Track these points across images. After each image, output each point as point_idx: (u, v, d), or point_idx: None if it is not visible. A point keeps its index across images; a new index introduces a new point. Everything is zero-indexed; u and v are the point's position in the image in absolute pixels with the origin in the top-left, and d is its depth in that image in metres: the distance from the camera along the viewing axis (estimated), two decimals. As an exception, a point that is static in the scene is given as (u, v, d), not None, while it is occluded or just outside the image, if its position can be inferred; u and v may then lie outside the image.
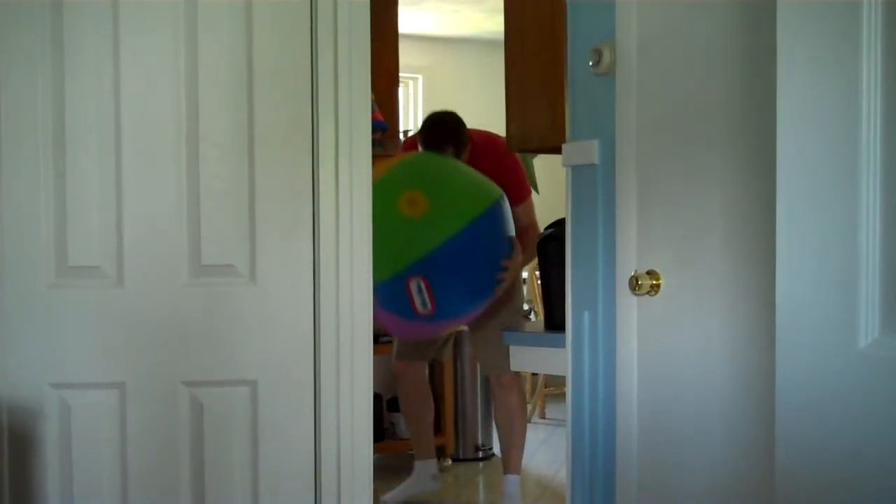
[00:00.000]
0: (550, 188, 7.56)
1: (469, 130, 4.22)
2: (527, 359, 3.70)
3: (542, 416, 6.39)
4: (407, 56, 6.37)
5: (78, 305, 2.10)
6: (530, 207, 4.17)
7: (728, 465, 2.57)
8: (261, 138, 2.12)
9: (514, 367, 3.76)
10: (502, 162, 4.00)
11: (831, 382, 1.54)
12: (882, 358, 1.46)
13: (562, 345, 3.16)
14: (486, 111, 7.19)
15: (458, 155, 4.05)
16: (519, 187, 4.09)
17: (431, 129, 4.21)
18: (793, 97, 1.66)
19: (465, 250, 3.81)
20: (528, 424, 6.17)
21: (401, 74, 5.74)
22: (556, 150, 3.18)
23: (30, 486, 2.08)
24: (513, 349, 3.77)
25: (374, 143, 4.84)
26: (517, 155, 4.10)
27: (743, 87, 2.47)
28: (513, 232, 3.90)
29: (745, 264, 2.48)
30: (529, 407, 6.46)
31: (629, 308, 2.84)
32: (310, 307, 2.15)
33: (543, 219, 3.83)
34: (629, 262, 2.82)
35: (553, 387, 6.45)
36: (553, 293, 3.42)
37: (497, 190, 3.88)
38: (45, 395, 2.08)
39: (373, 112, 4.44)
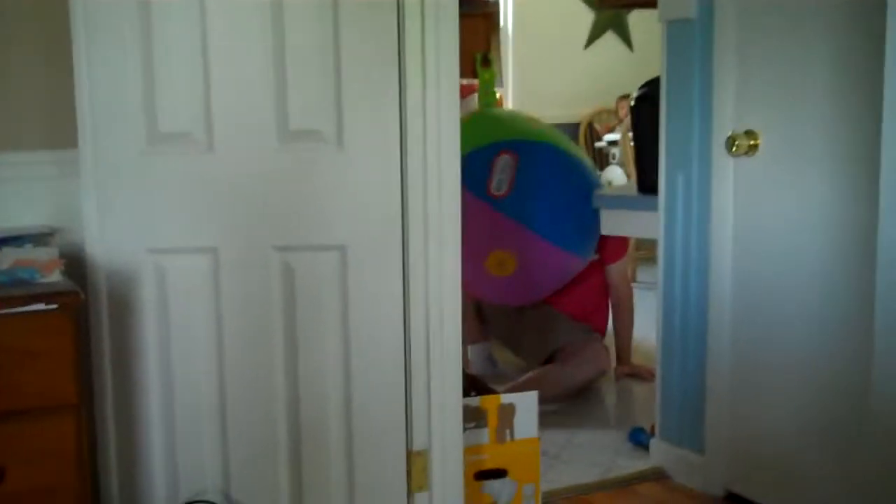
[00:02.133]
0: (645, 46, 7.37)
1: None
2: (618, 222, 3.66)
3: (633, 280, 6.36)
4: None
5: (170, 171, 2.12)
6: (623, 268, 4.25)
7: (825, 329, 2.52)
8: (345, 3, 2.07)
9: (605, 230, 3.73)
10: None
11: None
12: None
13: (654, 208, 3.12)
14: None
15: None
16: (614, 247, 4.14)
17: None
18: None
19: (560, 168, 3.75)
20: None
21: (490, -71, 5.56)
22: (652, 4, 3.07)
23: (130, 349, 2.15)
24: (604, 213, 3.73)
25: (462, 1, 4.75)
26: None
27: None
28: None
29: (850, 122, 2.38)
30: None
31: (725, 169, 2.77)
32: (397, 172, 2.13)
33: (638, 78, 3.72)
34: (726, 122, 2.74)
35: (644, 250, 6.39)
36: (646, 155, 3.35)
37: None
38: (141, 261, 2.13)
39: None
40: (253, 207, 2.13)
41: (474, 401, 2.60)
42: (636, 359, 4.26)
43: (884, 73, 1.57)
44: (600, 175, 4.89)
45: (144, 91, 2.08)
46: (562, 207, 3.78)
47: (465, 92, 4.82)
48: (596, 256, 4.10)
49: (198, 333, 2.16)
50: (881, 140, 1.59)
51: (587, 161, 4.06)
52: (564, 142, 4.03)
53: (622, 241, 4.24)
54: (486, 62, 5.27)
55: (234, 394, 2.18)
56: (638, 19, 7.54)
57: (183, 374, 2.17)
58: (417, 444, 2.23)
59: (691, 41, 2.87)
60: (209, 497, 2.17)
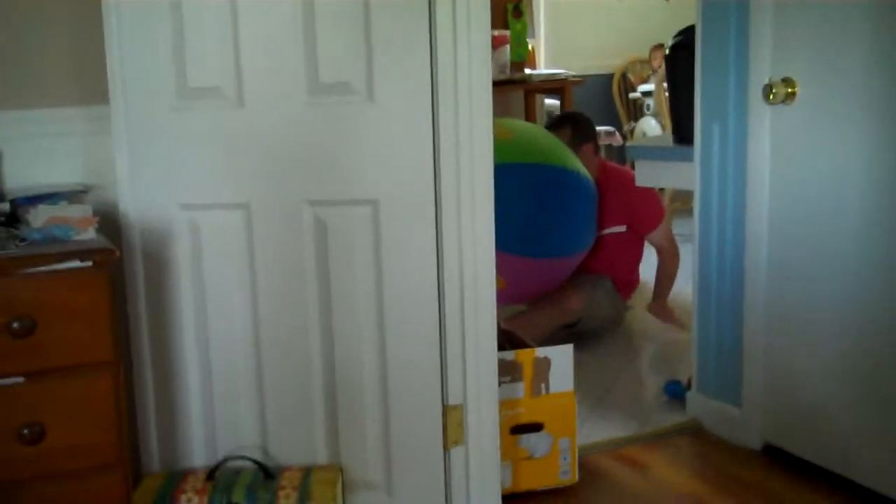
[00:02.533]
0: (680, -6, 7.26)
1: (604, 162, 4.42)
2: (653, 173, 3.61)
3: (669, 232, 6.31)
4: None
5: (200, 126, 2.11)
6: (664, 230, 4.32)
7: (863, 281, 2.49)
8: (373, -49, 2.04)
9: (640, 181, 3.68)
10: (632, 194, 4.11)
11: None
12: None
13: (690, 158, 3.08)
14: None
15: (573, 144, 4.20)
16: (650, 215, 4.26)
17: (558, 116, 4.52)
18: None
19: (515, 181, 3.74)
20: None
21: None
22: (687, -50, 3.01)
23: (165, 306, 2.16)
24: (639, 163, 3.69)
25: (493, -49, 4.68)
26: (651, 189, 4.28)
27: None
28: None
29: (891, 68, 2.33)
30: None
31: (762, 119, 2.72)
32: (428, 125, 2.11)
33: (673, 27, 3.66)
34: (763, 70, 2.69)
35: (679, 202, 6.33)
36: (681, 105, 3.29)
37: (573, 165, 4.01)
38: (174, 216, 2.13)
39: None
40: (284, 162, 2.12)
41: (509, 355, 2.59)
42: (677, 311, 4.24)
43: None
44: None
45: (175, 46, 2.07)
46: (521, 219, 3.76)
47: (496, 43, 4.77)
48: (623, 229, 4.21)
49: (232, 289, 2.16)
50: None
51: (559, 163, 3.98)
52: (527, 153, 3.94)
53: (653, 208, 4.26)
54: (518, 13, 5.21)
55: (268, 350, 2.18)
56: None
57: (218, 331, 2.18)
58: (453, 399, 2.23)
59: (728, -13, 2.82)
60: (247, 453, 2.18)
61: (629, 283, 4.31)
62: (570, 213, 3.93)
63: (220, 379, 2.19)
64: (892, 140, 2.36)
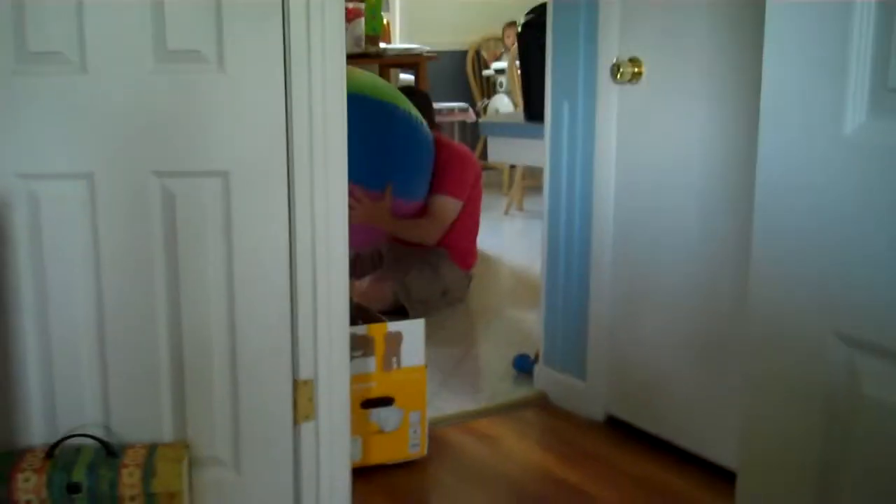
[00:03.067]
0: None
1: (440, 137, 4.38)
2: (505, 150, 3.67)
3: (520, 209, 6.43)
4: None
5: (41, 93, 2.01)
6: (448, 206, 4.22)
7: (703, 256, 2.59)
8: (225, -86, 1.99)
9: (492, 158, 3.73)
10: (457, 163, 4.22)
11: (814, 167, 1.51)
12: (868, 143, 1.43)
13: (540, 136, 3.13)
14: None
15: None
16: (454, 182, 4.21)
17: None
18: None
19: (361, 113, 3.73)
20: (506, 216, 6.26)
21: None
22: (539, -70, 3.05)
23: (1, 281, 2.06)
24: (491, 140, 3.73)
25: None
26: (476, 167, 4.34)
27: None
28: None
29: (732, 49, 2.42)
30: (507, 200, 6.49)
31: (609, 97, 2.79)
32: (281, 96, 2.07)
33: (526, 5, 3.70)
34: (611, 50, 2.75)
35: (531, 179, 6.45)
36: (532, 83, 3.35)
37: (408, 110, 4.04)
38: (12, 186, 2.03)
39: None
40: (130, 131, 2.05)
41: (361, 329, 2.59)
42: (521, 287, 4.32)
43: (765, 5, 1.59)
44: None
45: (14, 8, 1.97)
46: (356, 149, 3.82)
47: (351, 16, 4.73)
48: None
49: (74, 263, 2.08)
50: (761, 73, 1.62)
51: (394, 102, 4.03)
52: (372, 88, 3.99)
53: (460, 179, 4.28)
54: (373, -14, 5.18)
55: (113, 326, 2.12)
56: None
57: (59, 307, 2.10)
58: (304, 373, 2.22)
59: (578, -32, 2.86)
60: (89, 431, 2.12)
61: (468, 252, 4.38)
62: (404, 151, 3.96)
63: (61, 356, 2.11)
64: (731, 118, 2.45)
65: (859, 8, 1.42)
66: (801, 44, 1.51)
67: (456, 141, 5.90)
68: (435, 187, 4.18)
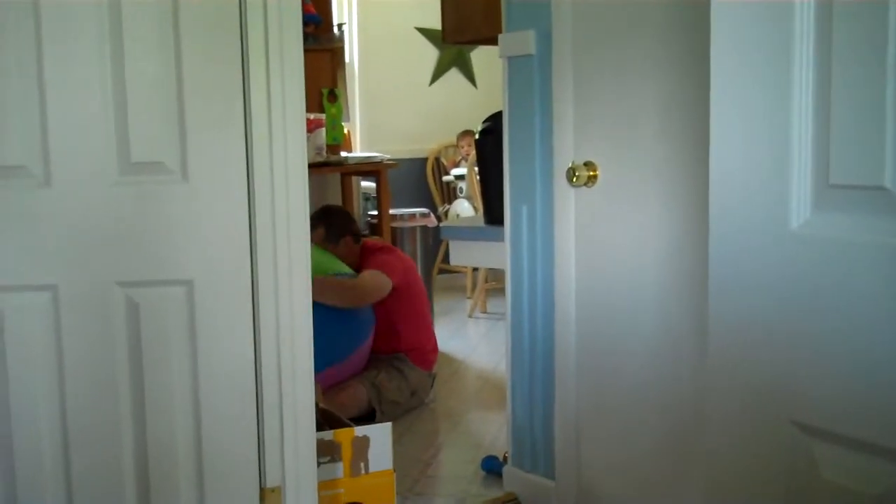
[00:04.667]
0: (488, 81, 7.54)
1: (366, 244, 4.55)
2: (466, 253, 3.71)
3: (484, 311, 6.46)
4: (339, -53, 6.22)
5: (4, 206, 2.04)
6: (376, 277, 4.24)
7: (662, 351, 2.62)
8: (187, 32, 2.05)
9: (454, 261, 3.78)
10: (380, 251, 4.43)
11: (763, 262, 1.56)
12: (813, 237, 1.48)
13: (501, 238, 3.18)
14: (419, 2, 7.11)
15: (330, 241, 4.37)
16: (377, 263, 4.32)
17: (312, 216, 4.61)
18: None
19: None
20: (470, 318, 6.29)
21: (332, -34, 5.61)
22: (492, 41, 3.15)
23: (-36, 392, 2.05)
24: (452, 243, 3.78)
25: (308, 36, 4.77)
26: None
27: (679, -27, 2.45)
28: None
29: (681, 151, 2.50)
30: (471, 302, 6.53)
31: (567, 200, 2.85)
32: (244, 204, 2.11)
33: (483, 113, 3.80)
34: (566, 154, 2.82)
35: (494, 281, 6.50)
36: (491, 187, 3.42)
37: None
38: (-26, 300, 2.04)
39: (304, 4, 4.36)
40: (94, 243, 2.07)
41: (328, 434, 2.59)
42: (487, 390, 4.32)
43: (710, 108, 1.66)
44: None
45: (-24, 124, 2.01)
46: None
47: (312, 126, 4.82)
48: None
49: (37, 373, 2.08)
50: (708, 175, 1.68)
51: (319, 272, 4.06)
52: None
53: (384, 260, 4.33)
54: (333, 97, 5.29)
55: (77, 438, 2.10)
56: (480, 56, 7.72)
57: (23, 423, 2.08)
58: (271, 481, 2.20)
59: (531, 77, 2.96)
60: (51, 546, 2.08)
61: (426, 352, 4.40)
62: (340, 315, 4.00)
63: (24, 469, 2.08)
64: (683, 215, 2.51)
65: (797, 107, 1.49)
66: (745, 142, 1.58)
67: (417, 244, 5.98)
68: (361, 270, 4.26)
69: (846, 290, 1.43)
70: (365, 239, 4.60)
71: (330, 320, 3.84)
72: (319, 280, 3.89)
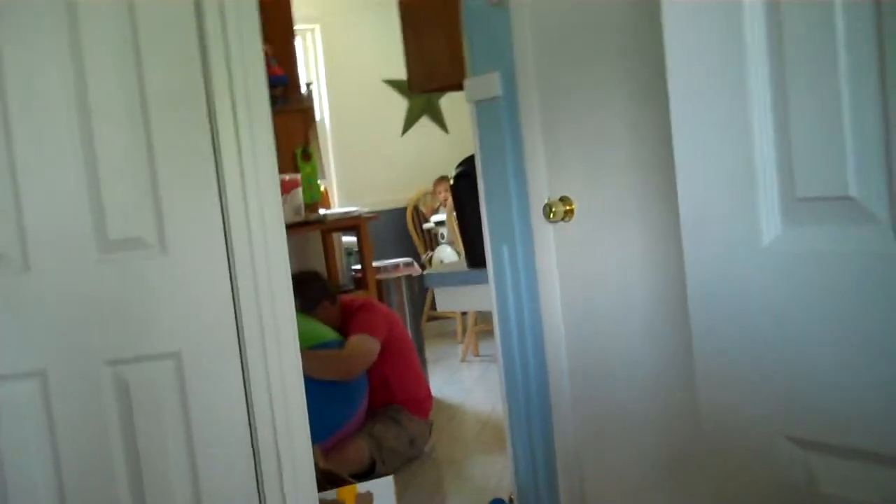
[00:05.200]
0: (459, 126, 7.58)
1: (344, 303, 4.56)
2: (452, 298, 3.71)
3: (476, 354, 6.45)
4: (302, 6, 6.28)
5: (-15, 296, 2.04)
6: (363, 343, 4.22)
7: (656, 374, 2.62)
8: (154, 105, 2.07)
9: (440, 307, 3.78)
10: (361, 310, 4.39)
11: (741, 283, 1.57)
12: (786, 253, 1.50)
13: (485, 281, 3.18)
14: (384, 55, 7.17)
15: (306, 309, 4.30)
16: (360, 324, 4.30)
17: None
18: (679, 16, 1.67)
19: None
20: (462, 362, 6.28)
21: (297, 26, 5.66)
22: (459, 86, 3.18)
23: (-41, 486, 2.03)
24: (438, 290, 3.78)
25: (275, 98, 4.80)
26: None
27: (636, 9, 2.48)
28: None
29: (653, 178, 2.52)
30: (462, 346, 6.51)
31: (546, 236, 2.86)
32: (225, 270, 2.12)
33: (457, 158, 3.82)
34: (541, 191, 2.84)
35: (483, 323, 6.50)
36: (470, 230, 3.42)
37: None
38: (-38, 392, 2.03)
39: (270, 67, 4.40)
40: (78, 324, 2.07)
41: (330, 494, 2.57)
42: (486, 433, 4.31)
43: (672, 145, 1.69)
44: None
45: (-49, 214, 2.01)
46: None
47: (288, 187, 4.84)
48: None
49: (32, 463, 2.06)
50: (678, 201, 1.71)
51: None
52: None
53: (367, 320, 4.33)
54: (307, 156, 5.32)
55: (76, 519, 2.08)
56: (450, 102, 7.78)
57: (21, 501, 2.06)
58: (275, 546, 2.18)
59: (499, 118, 2.98)
60: None
61: (420, 401, 4.40)
62: (333, 385, 4.00)
63: (25, 558, 2.07)
64: (660, 239, 2.53)
65: (756, 123, 1.51)
66: (708, 165, 1.59)
67: (404, 294, 5.97)
68: (348, 335, 4.25)
69: (825, 302, 1.44)
70: (342, 296, 4.59)
71: (323, 392, 3.83)
72: (308, 355, 3.88)
